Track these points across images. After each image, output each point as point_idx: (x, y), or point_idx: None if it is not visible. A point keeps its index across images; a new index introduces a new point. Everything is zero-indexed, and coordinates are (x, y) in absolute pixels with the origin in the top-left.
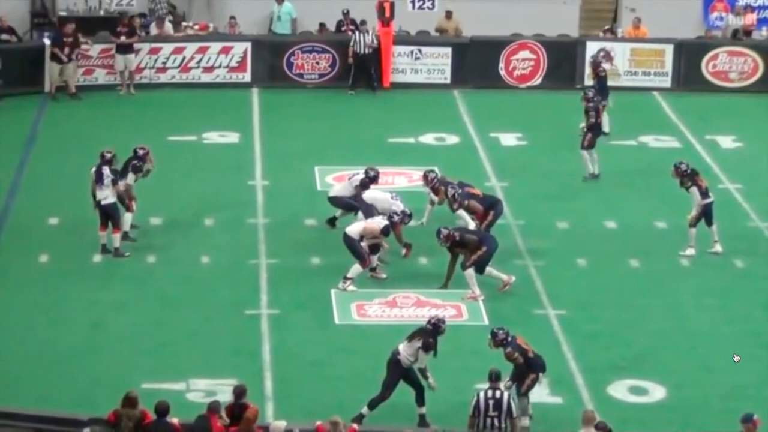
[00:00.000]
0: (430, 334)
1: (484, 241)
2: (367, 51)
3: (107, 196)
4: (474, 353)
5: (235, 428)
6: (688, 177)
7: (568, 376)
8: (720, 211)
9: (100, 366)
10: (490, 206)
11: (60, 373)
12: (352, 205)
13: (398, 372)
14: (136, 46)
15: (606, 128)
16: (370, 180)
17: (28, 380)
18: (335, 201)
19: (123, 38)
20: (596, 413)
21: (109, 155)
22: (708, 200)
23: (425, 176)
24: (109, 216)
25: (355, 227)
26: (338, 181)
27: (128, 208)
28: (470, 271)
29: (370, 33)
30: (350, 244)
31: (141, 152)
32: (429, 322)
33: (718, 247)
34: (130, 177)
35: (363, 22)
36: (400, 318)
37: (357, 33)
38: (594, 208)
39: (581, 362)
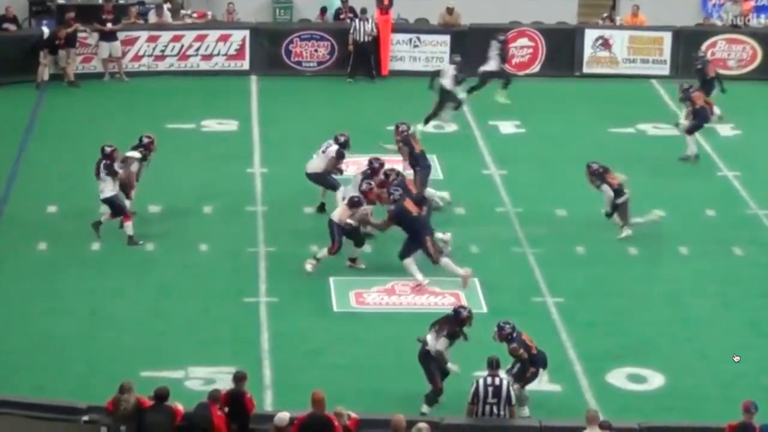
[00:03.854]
0: (453, 322)
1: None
2: (366, 39)
3: (103, 189)
4: (472, 341)
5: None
6: (597, 176)
7: (566, 364)
8: (719, 199)
9: (99, 354)
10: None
11: (58, 362)
12: (332, 183)
13: (432, 361)
14: (135, 33)
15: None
16: (342, 146)
17: (26, 369)
18: (314, 177)
19: (109, 25)
20: (595, 408)
21: (108, 150)
22: (623, 198)
23: (397, 127)
24: (111, 208)
25: (338, 211)
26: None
27: (127, 196)
28: (409, 260)
29: (370, 21)
30: (330, 228)
31: (146, 140)
32: (453, 309)
33: (628, 231)
34: (134, 165)
35: (363, 11)
36: (399, 306)
37: (357, 21)
38: (592, 196)
39: (580, 350)
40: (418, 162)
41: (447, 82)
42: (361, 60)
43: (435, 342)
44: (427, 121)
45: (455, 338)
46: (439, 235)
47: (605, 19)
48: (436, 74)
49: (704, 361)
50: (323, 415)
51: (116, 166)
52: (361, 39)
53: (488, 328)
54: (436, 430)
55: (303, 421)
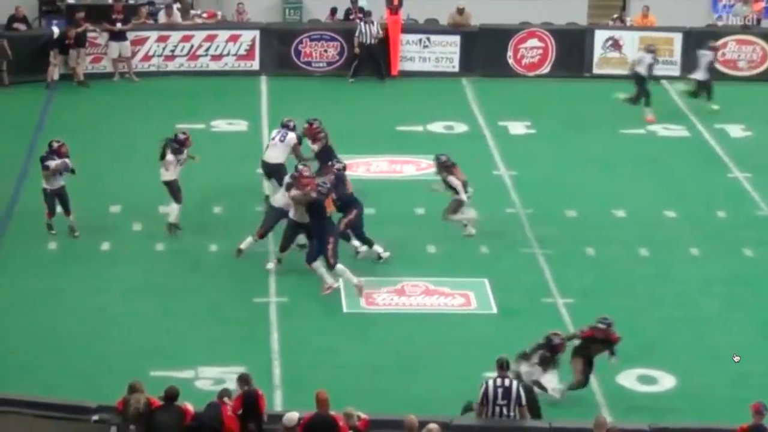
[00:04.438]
0: (545, 348)
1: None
2: (372, 41)
3: (43, 183)
4: (483, 342)
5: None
6: (445, 168)
7: None
8: (729, 200)
9: (108, 354)
10: (348, 205)
11: (67, 361)
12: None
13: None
14: (145, 33)
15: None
16: (295, 130)
17: (35, 368)
18: (274, 168)
19: (119, 25)
20: (604, 409)
21: (56, 144)
22: (463, 196)
23: (310, 125)
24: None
25: (278, 197)
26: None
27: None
28: (316, 263)
29: (375, 24)
30: (268, 212)
31: (181, 137)
32: (546, 336)
33: (471, 229)
34: (171, 158)
35: (368, 13)
36: (409, 306)
37: (362, 24)
38: (602, 197)
39: None
40: (329, 156)
41: (642, 69)
42: (369, 61)
43: (528, 370)
44: (647, 105)
45: (547, 364)
46: (355, 243)
47: (615, 19)
48: (635, 63)
49: (714, 362)
50: (328, 415)
51: (51, 162)
52: (368, 41)
53: (498, 328)
54: (446, 430)
55: (308, 422)
